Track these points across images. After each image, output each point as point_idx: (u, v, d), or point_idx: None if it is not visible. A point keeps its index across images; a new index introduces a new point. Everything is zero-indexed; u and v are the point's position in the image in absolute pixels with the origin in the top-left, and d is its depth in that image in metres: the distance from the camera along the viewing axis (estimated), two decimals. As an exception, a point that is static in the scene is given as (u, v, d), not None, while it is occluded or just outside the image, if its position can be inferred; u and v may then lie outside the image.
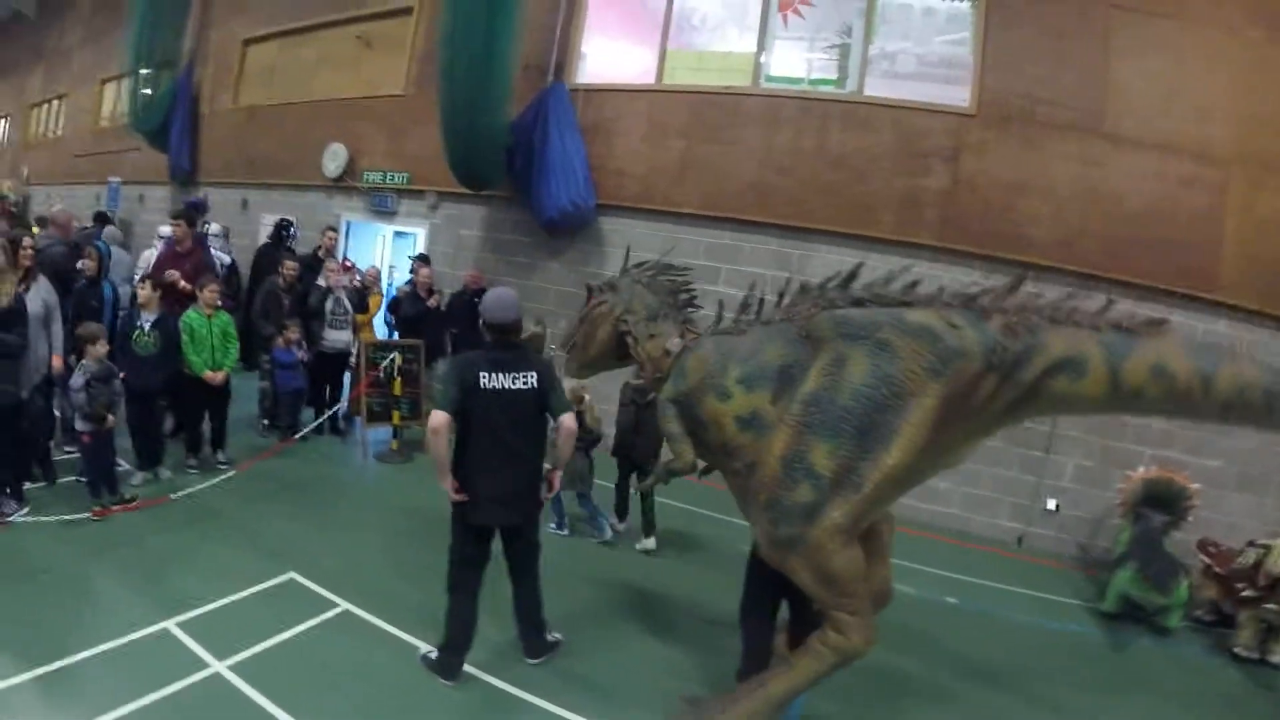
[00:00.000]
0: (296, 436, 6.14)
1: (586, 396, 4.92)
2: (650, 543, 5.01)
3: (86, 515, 4.40)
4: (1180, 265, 6.13)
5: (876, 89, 7.01)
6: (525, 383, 3.12)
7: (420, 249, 8.58)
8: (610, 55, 8.15)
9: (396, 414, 6.27)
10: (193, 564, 3.99)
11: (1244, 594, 4.81)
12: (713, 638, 3.81)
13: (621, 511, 5.33)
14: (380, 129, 9.26)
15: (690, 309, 3.59)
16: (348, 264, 7.86)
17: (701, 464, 3.22)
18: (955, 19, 7.00)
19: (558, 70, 7.84)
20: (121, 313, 5.48)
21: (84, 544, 4.07)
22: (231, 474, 5.35)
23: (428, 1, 8.79)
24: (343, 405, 6.82)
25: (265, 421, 6.50)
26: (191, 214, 7.57)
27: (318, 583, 3.90)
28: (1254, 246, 6.07)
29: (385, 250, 10.04)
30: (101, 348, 4.47)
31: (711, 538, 5.37)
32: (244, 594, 3.71)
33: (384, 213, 9.26)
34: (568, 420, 3.21)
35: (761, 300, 3.24)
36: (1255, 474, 6.16)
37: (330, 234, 7.65)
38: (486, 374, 3.07)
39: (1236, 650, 4.71)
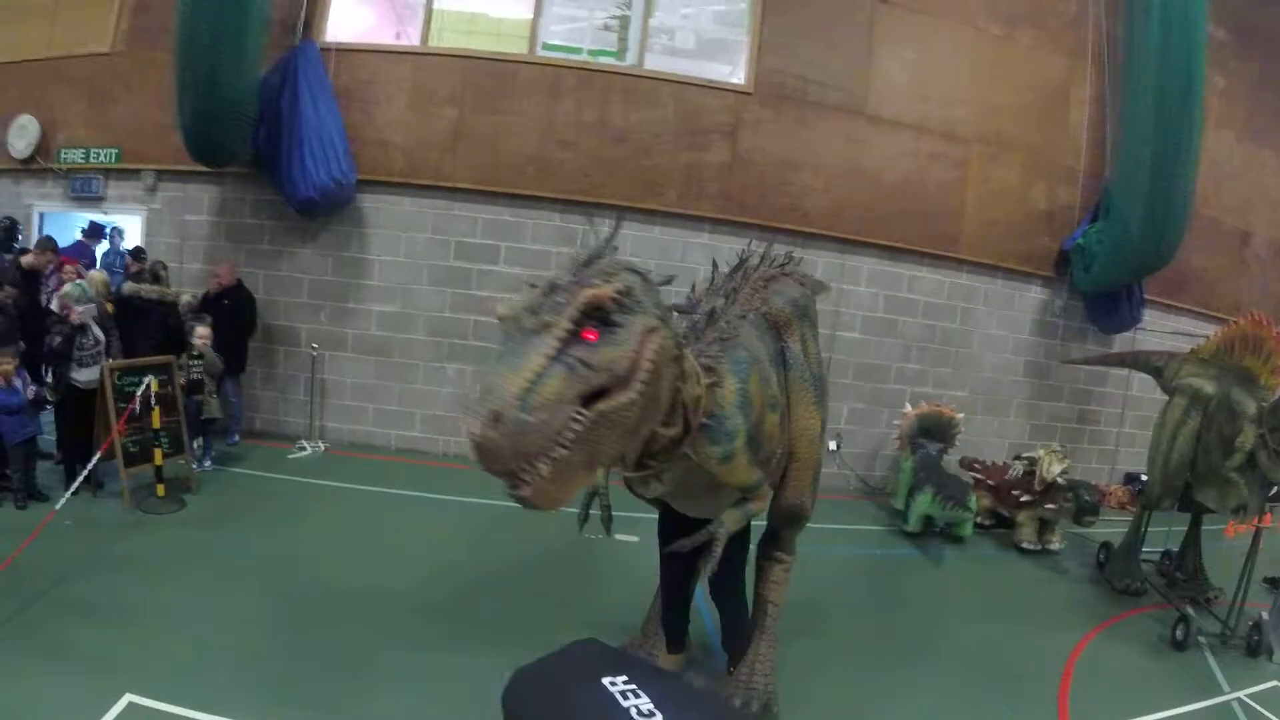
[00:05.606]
0: (58, 508, 4.40)
1: None
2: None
3: None
4: (930, 230, 6.91)
5: (656, 64, 6.83)
6: None
7: (129, 240, 6.95)
8: (367, 11, 7.21)
9: (159, 451, 5.01)
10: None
11: (1023, 499, 5.64)
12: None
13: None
14: (81, 96, 7.39)
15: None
16: (70, 264, 6.15)
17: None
18: (732, -2, 7.00)
19: (306, 25, 6.73)
20: None
21: None
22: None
23: (140, -61, 7.24)
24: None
25: None
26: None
27: (168, 701, 2.85)
28: (989, 212, 7.05)
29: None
30: None
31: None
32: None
33: (88, 198, 7.40)
34: None
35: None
36: (995, 400, 7.35)
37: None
38: None
39: (1022, 545, 5.60)
